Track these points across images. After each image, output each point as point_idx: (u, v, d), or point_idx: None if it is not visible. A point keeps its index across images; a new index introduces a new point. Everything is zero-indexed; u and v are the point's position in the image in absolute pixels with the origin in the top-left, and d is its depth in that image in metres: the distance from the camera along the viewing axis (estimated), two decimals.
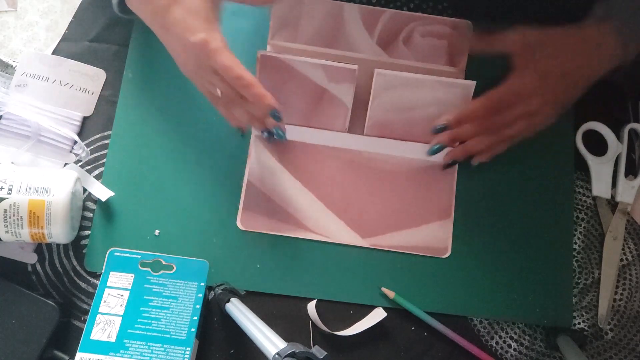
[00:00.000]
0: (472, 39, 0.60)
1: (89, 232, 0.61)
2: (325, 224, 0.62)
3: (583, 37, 0.59)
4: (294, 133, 0.64)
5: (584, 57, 0.59)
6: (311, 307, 0.59)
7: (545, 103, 0.58)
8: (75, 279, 0.60)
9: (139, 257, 0.59)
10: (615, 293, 0.62)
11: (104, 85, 0.66)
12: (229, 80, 0.54)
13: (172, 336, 0.55)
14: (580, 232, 0.64)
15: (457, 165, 0.64)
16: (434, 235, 0.62)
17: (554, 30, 0.59)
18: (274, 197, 0.63)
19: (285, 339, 0.49)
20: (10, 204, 0.54)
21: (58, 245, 0.61)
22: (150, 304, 0.56)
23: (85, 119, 0.65)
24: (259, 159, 0.64)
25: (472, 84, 0.61)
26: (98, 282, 0.58)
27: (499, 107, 0.59)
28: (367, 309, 0.60)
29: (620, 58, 0.59)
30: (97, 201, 0.62)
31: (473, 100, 0.61)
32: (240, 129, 0.63)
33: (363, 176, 0.64)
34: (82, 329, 0.56)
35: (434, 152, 0.62)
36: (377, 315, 0.59)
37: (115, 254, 0.59)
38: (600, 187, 0.64)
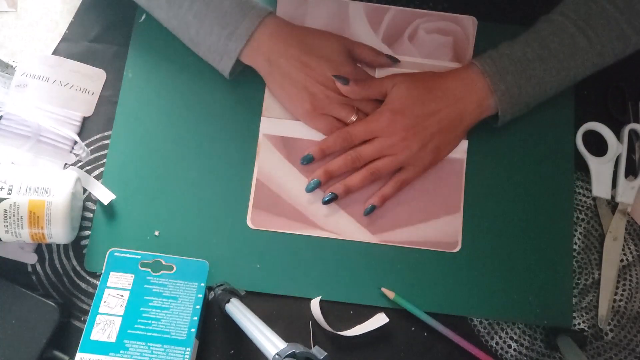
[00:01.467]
0: (352, 86, 0.61)
1: (89, 232, 0.61)
2: (335, 221, 0.62)
3: (450, 80, 0.61)
4: (302, 130, 0.64)
5: (447, 100, 0.60)
6: (314, 304, 0.59)
7: (405, 139, 0.60)
8: (75, 279, 0.60)
9: (139, 257, 0.59)
10: (616, 294, 0.62)
11: (104, 85, 0.66)
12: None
13: (172, 336, 0.55)
14: (580, 233, 0.64)
15: (465, 160, 0.64)
16: (444, 230, 0.62)
17: (424, 73, 0.63)
18: (284, 196, 0.63)
19: (285, 339, 0.49)
20: (11, 204, 0.54)
21: (58, 245, 0.61)
22: (150, 304, 0.56)
23: (85, 119, 0.65)
24: (268, 157, 0.64)
25: None
26: (98, 283, 0.58)
27: (353, 140, 0.61)
28: (367, 309, 0.60)
29: (496, 107, 0.61)
30: (97, 201, 0.62)
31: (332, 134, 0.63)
32: None
33: None
34: (82, 329, 0.56)
35: (311, 189, 0.62)
36: (379, 320, 0.59)
37: (115, 254, 0.59)
38: (600, 187, 0.64)
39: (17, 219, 0.55)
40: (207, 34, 0.60)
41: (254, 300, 0.59)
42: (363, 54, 0.65)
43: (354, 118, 0.62)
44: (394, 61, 0.66)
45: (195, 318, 0.56)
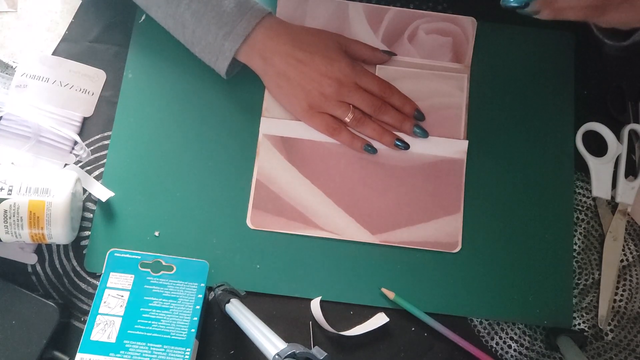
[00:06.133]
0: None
1: (89, 232, 0.61)
2: (335, 221, 0.62)
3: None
4: (302, 130, 0.64)
5: None
6: (315, 304, 0.59)
7: None
8: (75, 279, 0.60)
9: (139, 257, 0.59)
10: (616, 294, 0.62)
11: (104, 85, 0.66)
12: (381, 88, 0.63)
13: (172, 337, 0.55)
14: (580, 233, 0.64)
15: (465, 160, 0.64)
16: (444, 230, 0.62)
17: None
18: (284, 196, 0.63)
19: (285, 340, 0.49)
20: (11, 205, 0.54)
21: (58, 245, 0.61)
22: (150, 304, 0.56)
23: (85, 119, 0.65)
24: (268, 157, 0.64)
25: (463, 76, 0.66)
26: (98, 283, 0.58)
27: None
28: (367, 309, 0.60)
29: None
30: (97, 202, 0.62)
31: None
32: (369, 148, 0.64)
33: (372, 172, 0.64)
34: (82, 330, 0.56)
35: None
36: (379, 320, 0.59)
37: (115, 254, 0.59)
38: (600, 187, 0.64)
39: (17, 220, 0.55)
40: (203, 33, 0.60)
41: (254, 300, 0.59)
42: (360, 51, 0.65)
43: (350, 115, 0.62)
44: (390, 54, 0.66)
45: (195, 318, 0.56)
